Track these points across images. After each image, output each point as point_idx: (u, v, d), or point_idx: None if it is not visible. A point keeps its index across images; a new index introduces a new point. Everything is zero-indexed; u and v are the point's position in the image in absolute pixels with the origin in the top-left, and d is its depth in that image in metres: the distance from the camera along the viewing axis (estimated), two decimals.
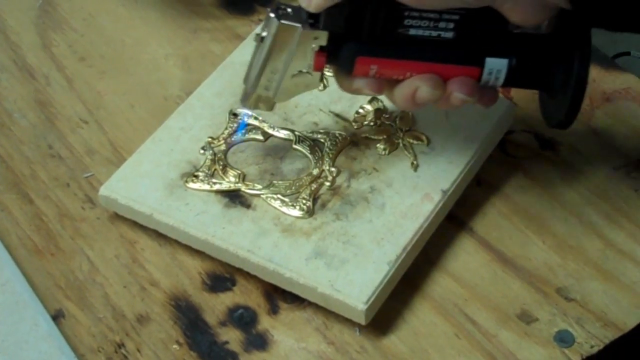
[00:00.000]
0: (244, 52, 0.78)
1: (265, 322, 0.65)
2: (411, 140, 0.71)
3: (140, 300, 0.66)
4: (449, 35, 0.61)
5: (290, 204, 0.67)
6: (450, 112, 0.71)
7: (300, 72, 0.64)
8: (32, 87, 0.80)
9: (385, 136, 0.71)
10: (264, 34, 0.63)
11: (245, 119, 0.72)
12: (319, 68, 0.63)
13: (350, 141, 0.71)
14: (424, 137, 0.71)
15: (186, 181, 0.69)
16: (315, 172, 0.69)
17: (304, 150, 0.71)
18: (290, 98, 0.68)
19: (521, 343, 0.63)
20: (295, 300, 0.65)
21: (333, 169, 0.69)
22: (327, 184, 0.69)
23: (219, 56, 0.81)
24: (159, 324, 0.65)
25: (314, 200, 0.68)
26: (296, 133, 0.72)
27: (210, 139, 0.71)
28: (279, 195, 0.68)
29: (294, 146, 0.71)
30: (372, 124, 0.72)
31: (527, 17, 0.59)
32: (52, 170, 0.74)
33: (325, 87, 0.74)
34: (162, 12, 0.85)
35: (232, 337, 0.64)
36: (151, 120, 0.76)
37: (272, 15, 0.62)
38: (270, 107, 0.67)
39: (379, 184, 0.68)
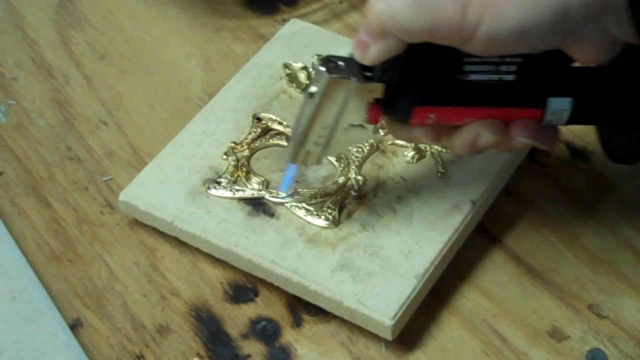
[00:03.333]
0: (267, 54, 0.76)
1: (288, 335, 0.63)
2: (439, 148, 0.69)
3: (161, 310, 0.65)
4: (510, 77, 0.58)
5: (315, 213, 0.66)
6: None
7: (353, 125, 0.61)
8: (51, 86, 0.78)
9: (412, 144, 0.69)
10: (314, 89, 0.59)
11: (292, 174, 0.67)
12: (374, 121, 0.60)
13: (377, 148, 0.69)
14: None
15: (208, 188, 0.67)
16: (341, 180, 0.68)
17: (329, 158, 0.69)
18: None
19: None
20: (320, 312, 0.64)
21: (359, 177, 0.67)
22: (353, 192, 0.67)
23: (241, 56, 0.79)
24: (180, 335, 0.63)
25: (340, 210, 0.66)
26: None
27: (233, 144, 0.70)
28: (303, 204, 0.66)
29: None
30: None
31: (596, 57, 0.56)
32: (71, 173, 0.72)
33: None
34: (184, 10, 0.84)
35: (254, 350, 0.63)
36: (172, 122, 0.75)
37: (322, 69, 0.58)
38: (319, 161, 0.64)
39: (407, 194, 0.67)
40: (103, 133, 0.75)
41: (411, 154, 0.69)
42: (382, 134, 0.70)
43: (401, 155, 0.69)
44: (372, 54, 0.57)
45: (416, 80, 0.58)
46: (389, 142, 0.70)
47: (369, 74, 0.58)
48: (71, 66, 0.79)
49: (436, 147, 0.69)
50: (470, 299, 0.64)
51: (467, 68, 0.58)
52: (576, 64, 0.59)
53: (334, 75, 0.58)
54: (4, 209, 0.70)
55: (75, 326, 0.64)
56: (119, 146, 0.74)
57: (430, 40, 0.55)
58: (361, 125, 0.61)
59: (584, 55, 0.56)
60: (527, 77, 0.58)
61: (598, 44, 0.55)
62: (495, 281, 0.65)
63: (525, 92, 0.59)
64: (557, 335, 0.63)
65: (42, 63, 0.80)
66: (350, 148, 0.69)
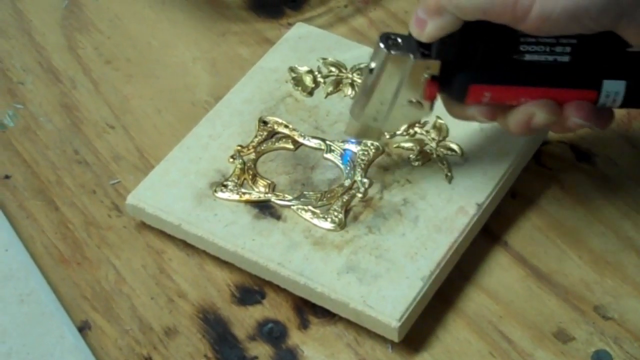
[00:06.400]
0: (273, 58, 0.76)
1: (295, 337, 0.63)
2: (445, 151, 0.69)
3: (168, 313, 0.65)
4: (565, 59, 0.59)
5: (321, 215, 0.66)
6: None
7: (410, 101, 0.62)
8: (58, 90, 0.79)
9: (418, 146, 0.70)
10: (372, 65, 0.61)
11: (351, 151, 0.70)
12: (430, 98, 0.62)
13: (382, 151, 0.70)
14: (458, 148, 0.69)
15: (215, 191, 0.68)
16: (347, 183, 0.68)
17: (335, 160, 0.69)
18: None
19: None
20: (326, 314, 0.64)
21: (365, 180, 0.68)
22: (359, 195, 0.67)
23: (247, 60, 0.79)
24: (187, 337, 0.64)
25: (346, 213, 0.66)
26: (327, 142, 0.70)
27: (239, 147, 0.70)
28: (309, 207, 0.67)
29: (325, 156, 0.70)
30: (404, 133, 0.70)
31: None
32: (78, 177, 0.73)
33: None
34: (190, 14, 0.84)
35: (261, 352, 0.63)
36: (178, 126, 0.75)
37: (381, 45, 0.60)
38: (378, 137, 0.66)
39: (412, 196, 0.67)
40: (110, 137, 0.75)
41: (416, 156, 0.69)
42: (387, 137, 0.70)
43: (407, 158, 0.69)
44: (429, 31, 0.58)
45: (473, 59, 0.59)
46: (395, 145, 0.70)
47: (426, 51, 0.60)
48: (78, 70, 0.80)
49: (442, 149, 0.69)
50: (476, 301, 0.65)
51: (523, 48, 0.59)
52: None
53: (393, 52, 0.60)
54: (13, 212, 0.71)
55: (83, 328, 0.64)
56: (126, 150, 0.74)
57: (485, 18, 0.56)
58: (418, 102, 0.62)
59: (637, 38, 0.57)
60: (582, 58, 0.59)
61: None
62: (500, 283, 0.65)
63: (579, 74, 0.60)
64: (562, 336, 0.63)
65: (49, 67, 0.80)
66: (356, 151, 0.69)
